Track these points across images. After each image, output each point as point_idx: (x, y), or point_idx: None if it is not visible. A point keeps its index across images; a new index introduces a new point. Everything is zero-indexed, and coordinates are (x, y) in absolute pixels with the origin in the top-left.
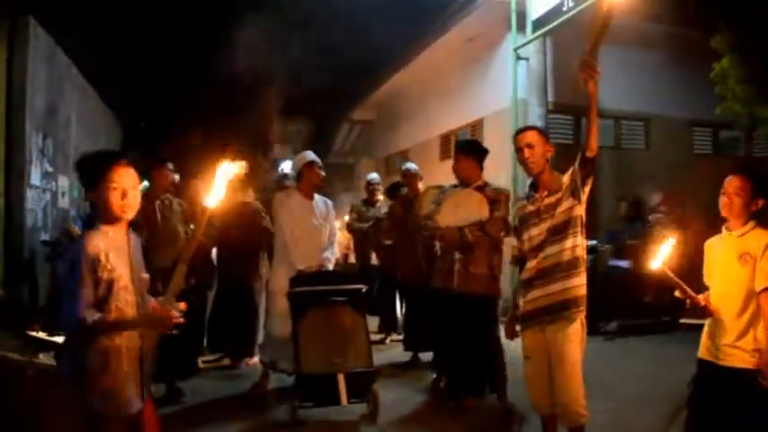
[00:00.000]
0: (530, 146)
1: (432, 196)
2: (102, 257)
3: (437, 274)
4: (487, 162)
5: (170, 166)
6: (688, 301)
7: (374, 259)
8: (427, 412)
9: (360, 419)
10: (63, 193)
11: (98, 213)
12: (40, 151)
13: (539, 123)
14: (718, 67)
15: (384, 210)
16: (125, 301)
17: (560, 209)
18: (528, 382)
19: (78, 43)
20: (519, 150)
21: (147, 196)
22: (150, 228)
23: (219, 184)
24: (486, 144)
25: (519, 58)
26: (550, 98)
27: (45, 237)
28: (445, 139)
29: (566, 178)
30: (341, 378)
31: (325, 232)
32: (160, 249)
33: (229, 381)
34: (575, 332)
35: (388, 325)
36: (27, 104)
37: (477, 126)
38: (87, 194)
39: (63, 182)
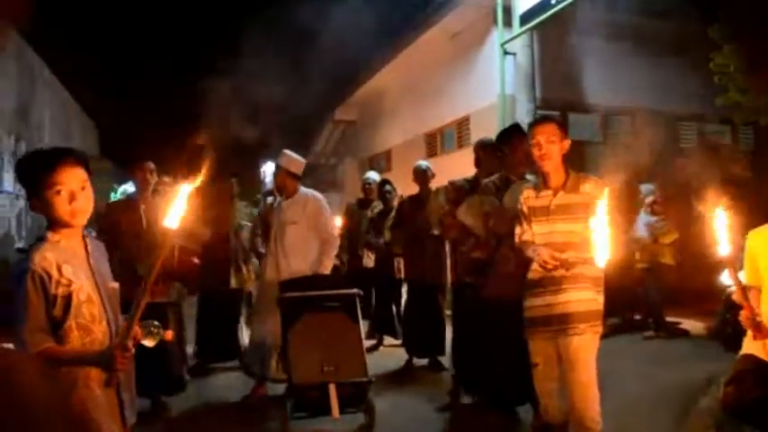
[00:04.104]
0: (550, 140)
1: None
2: (54, 271)
3: (502, 280)
4: (473, 159)
5: (151, 165)
6: (745, 314)
7: (367, 262)
8: (425, 420)
9: (356, 430)
10: None
11: (47, 222)
12: (13, 155)
13: (527, 119)
14: (720, 56)
15: (378, 209)
16: (89, 316)
17: (584, 227)
18: (538, 388)
19: (51, 42)
20: (536, 145)
21: (129, 202)
22: (135, 235)
23: (180, 204)
24: (472, 141)
25: (506, 53)
26: (538, 93)
27: (19, 245)
28: (431, 137)
29: (591, 190)
30: (332, 388)
31: (301, 232)
32: (147, 258)
33: (219, 391)
34: (590, 340)
35: (383, 329)
36: None
37: (463, 123)
38: (32, 203)
39: None
